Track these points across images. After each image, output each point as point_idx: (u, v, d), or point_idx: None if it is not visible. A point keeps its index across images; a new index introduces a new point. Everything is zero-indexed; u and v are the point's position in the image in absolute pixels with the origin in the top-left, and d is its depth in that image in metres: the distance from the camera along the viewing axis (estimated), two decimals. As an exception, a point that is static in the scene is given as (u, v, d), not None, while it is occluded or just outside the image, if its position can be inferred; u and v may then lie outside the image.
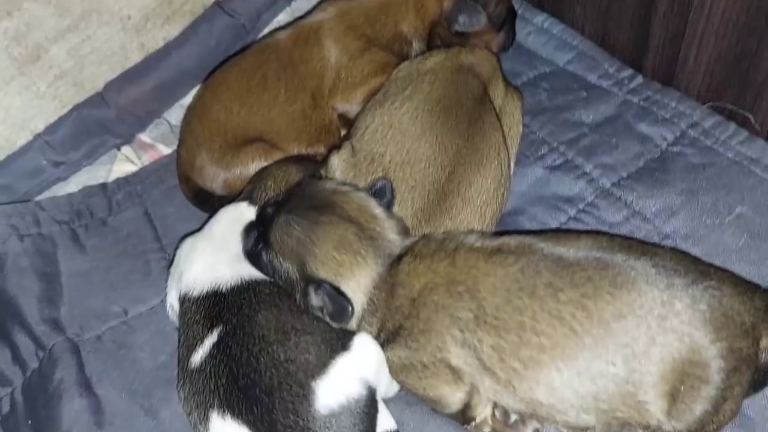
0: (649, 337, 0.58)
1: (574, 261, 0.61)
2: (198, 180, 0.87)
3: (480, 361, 0.61)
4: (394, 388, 0.68)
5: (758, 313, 0.61)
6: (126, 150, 1.00)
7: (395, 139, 0.75)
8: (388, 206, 0.70)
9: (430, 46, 0.93)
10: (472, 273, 0.63)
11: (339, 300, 0.64)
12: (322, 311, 0.66)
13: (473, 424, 0.66)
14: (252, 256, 0.70)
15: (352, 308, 0.65)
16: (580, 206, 0.82)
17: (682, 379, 0.58)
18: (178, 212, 0.90)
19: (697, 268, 0.61)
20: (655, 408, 0.59)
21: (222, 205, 0.81)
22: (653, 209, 0.80)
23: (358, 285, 0.66)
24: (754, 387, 0.64)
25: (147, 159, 1.00)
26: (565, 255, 0.62)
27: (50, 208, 0.90)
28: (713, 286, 0.60)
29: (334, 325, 0.66)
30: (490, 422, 0.66)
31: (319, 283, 0.65)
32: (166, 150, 1.00)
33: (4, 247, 0.85)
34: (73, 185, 0.96)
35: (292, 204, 0.69)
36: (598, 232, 0.68)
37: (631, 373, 0.58)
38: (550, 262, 0.61)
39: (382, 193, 0.70)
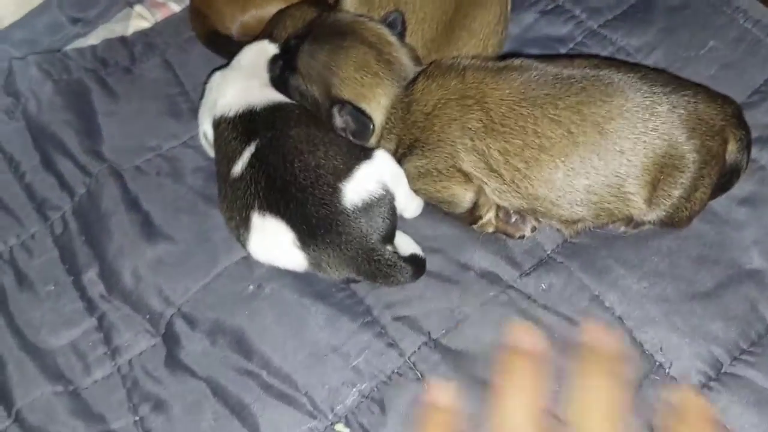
0: (634, 135, 0.67)
1: (571, 75, 0.69)
2: (215, 21, 0.92)
3: (487, 165, 0.70)
4: (413, 205, 0.77)
5: (727, 118, 0.70)
6: (139, 8, 1.05)
7: (406, -26, 0.81)
8: (401, 37, 0.77)
9: None
10: (481, 88, 0.71)
11: (361, 118, 0.72)
12: (345, 130, 0.74)
13: (480, 222, 0.75)
14: (279, 81, 0.77)
15: (373, 126, 0.73)
16: (570, 45, 0.90)
17: (661, 170, 0.68)
18: (197, 61, 0.95)
19: (677, 81, 0.71)
20: (638, 197, 0.69)
21: (233, 48, 0.87)
22: (636, 45, 0.88)
23: (378, 104, 0.74)
24: (722, 187, 0.74)
25: (160, 16, 1.04)
26: (563, 71, 0.70)
27: (76, 58, 0.95)
28: (689, 94, 0.69)
29: (356, 142, 0.74)
30: (494, 222, 0.75)
31: (342, 104, 0.73)
32: (176, 7, 1.05)
33: (40, 89, 0.90)
34: (92, 40, 1.00)
35: (315, 33, 0.76)
36: (591, 55, 0.76)
37: (618, 167, 0.68)
38: (550, 77, 0.70)
39: (395, 25, 0.77)
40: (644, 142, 0.67)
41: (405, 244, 0.75)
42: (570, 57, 0.74)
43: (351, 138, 0.74)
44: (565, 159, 0.68)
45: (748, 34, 0.87)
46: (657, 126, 0.67)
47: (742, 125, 0.72)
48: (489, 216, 0.75)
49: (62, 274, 0.80)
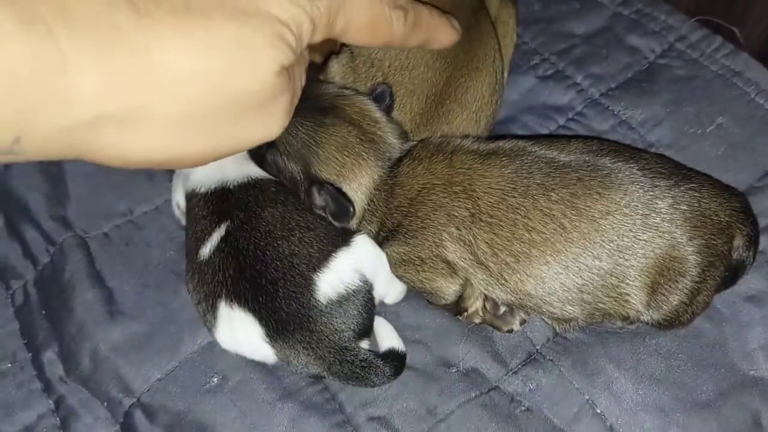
0: (633, 233, 0.62)
1: (566, 163, 0.64)
2: None
3: (474, 256, 0.65)
4: (394, 291, 0.72)
5: (733, 213, 0.65)
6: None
7: (394, 45, 0.76)
8: (388, 111, 0.72)
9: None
10: (469, 174, 0.66)
11: (341, 200, 0.67)
12: (324, 211, 0.69)
13: (465, 314, 0.70)
14: (257, 157, 0.72)
15: (354, 208, 0.68)
16: (570, 115, 0.85)
17: (661, 272, 0.62)
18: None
19: (680, 172, 0.65)
20: (636, 299, 0.64)
21: None
22: (639, 119, 0.83)
23: (359, 186, 0.69)
24: (725, 283, 0.69)
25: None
26: (557, 157, 0.65)
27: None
28: (694, 188, 0.64)
29: (336, 224, 0.69)
30: (481, 313, 0.70)
31: (322, 184, 0.68)
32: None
33: (9, 146, 0.86)
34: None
35: (296, 106, 0.71)
36: (588, 137, 0.71)
37: (615, 267, 0.62)
38: (542, 163, 0.65)
39: (382, 98, 0.72)
40: (643, 240, 0.62)
41: (384, 335, 0.70)
42: (567, 138, 0.69)
43: (331, 219, 0.69)
44: (557, 256, 0.63)
45: (759, 109, 0.82)
46: (657, 223, 0.62)
47: (749, 220, 0.67)
48: (476, 306, 0.70)
49: (21, 351, 0.75)
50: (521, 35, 0.92)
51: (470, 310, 0.70)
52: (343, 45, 0.83)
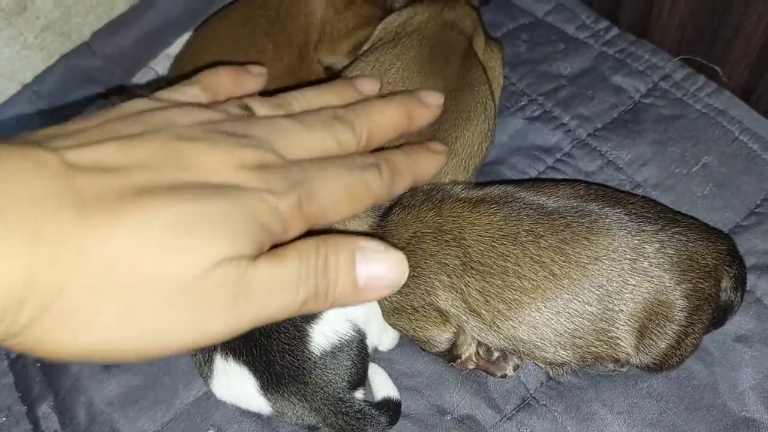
0: (622, 278, 0.63)
1: (554, 209, 0.65)
2: None
3: (466, 304, 0.66)
4: (387, 338, 0.72)
5: (720, 256, 0.66)
6: (114, 100, 1.01)
7: (384, 95, 0.77)
8: None
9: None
10: (458, 222, 0.67)
11: None
12: None
13: (459, 361, 0.71)
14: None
15: None
16: (558, 156, 0.86)
17: (650, 317, 0.63)
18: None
19: (666, 216, 0.66)
20: (626, 343, 0.64)
21: None
22: (626, 159, 0.84)
23: None
24: (714, 324, 0.70)
25: (135, 110, 1.01)
26: (545, 204, 0.66)
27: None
28: (680, 232, 0.65)
29: None
30: (474, 359, 0.71)
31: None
32: (154, 101, 1.01)
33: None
34: (63, 136, 0.98)
35: None
36: (575, 181, 0.72)
37: (604, 311, 0.63)
38: (531, 210, 0.66)
39: None
40: (632, 285, 0.63)
41: (379, 383, 0.70)
42: (554, 182, 0.70)
43: None
44: (548, 302, 0.64)
45: (743, 148, 0.83)
46: (645, 268, 0.63)
47: (736, 262, 0.68)
48: (469, 353, 0.71)
49: (16, 404, 0.75)
50: (508, 77, 0.93)
51: (463, 357, 0.71)
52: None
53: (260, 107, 0.56)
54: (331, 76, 0.92)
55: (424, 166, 0.63)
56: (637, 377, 0.70)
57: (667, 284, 0.63)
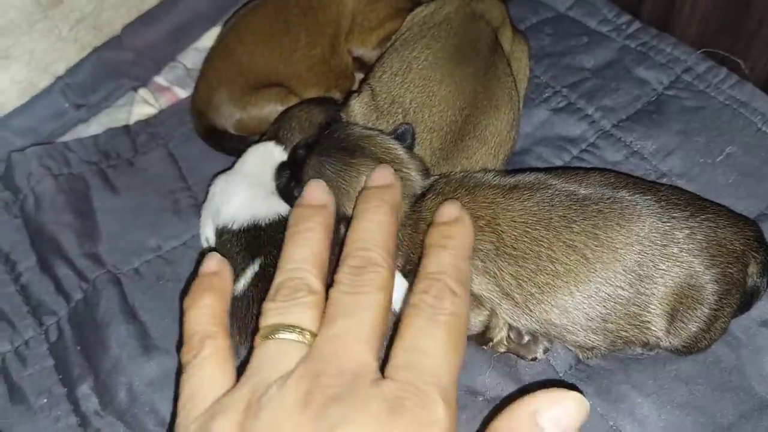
0: (653, 262, 0.64)
1: (586, 196, 0.67)
2: (213, 117, 0.91)
3: (500, 288, 0.67)
4: None
5: (747, 242, 0.67)
6: (143, 92, 1.03)
7: (415, 83, 0.79)
8: (410, 148, 0.75)
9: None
10: (492, 208, 0.68)
11: None
12: None
13: (491, 344, 0.72)
14: (285, 193, 0.75)
15: None
16: (583, 146, 0.88)
17: (680, 300, 0.65)
18: (202, 153, 0.93)
19: (695, 203, 0.68)
20: (656, 327, 0.66)
21: (233, 143, 0.86)
22: (651, 149, 0.86)
23: None
24: (741, 308, 0.71)
25: (164, 101, 1.02)
26: (577, 190, 0.68)
27: (78, 149, 0.93)
28: (709, 218, 0.66)
29: None
30: (505, 343, 0.73)
31: (349, 220, 0.70)
32: (182, 93, 1.03)
33: (40, 186, 0.88)
34: (94, 127, 0.99)
35: (322, 146, 0.74)
36: (605, 170, 0.73)
37: (636, 296, 0.65)
38: (563, 196, 0.67)
39: (405, 137, 0.75)
40: (662, 270, 0.64)
41: None
42: (584, 170, 0.72)
43: None
44: (581, 286, 0.65)
45: (766, 139, 0.85)
46: (675, 253, 0.64)
47: (763, 248, 0.69)
48: (501, 335, 0.72)
49: (56, 386, 0.77)
50: (533, 69, 0.95)
51: (495, 340, 0.72)
52: (363, 82, 0.86)
53: None
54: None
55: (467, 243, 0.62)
56: (665, 360, 0.71)
57: (697, 269, 0.64)
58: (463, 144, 0.78)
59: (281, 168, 0.76)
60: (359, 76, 0.95)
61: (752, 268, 0.69)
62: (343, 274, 0.56)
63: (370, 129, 0.75)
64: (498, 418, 0.48)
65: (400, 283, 0.71)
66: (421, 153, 0.77)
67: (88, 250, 0.84)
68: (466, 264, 0.59)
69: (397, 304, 0.69)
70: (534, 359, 0.72)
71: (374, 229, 0.60)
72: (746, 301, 0.71)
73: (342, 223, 0.70)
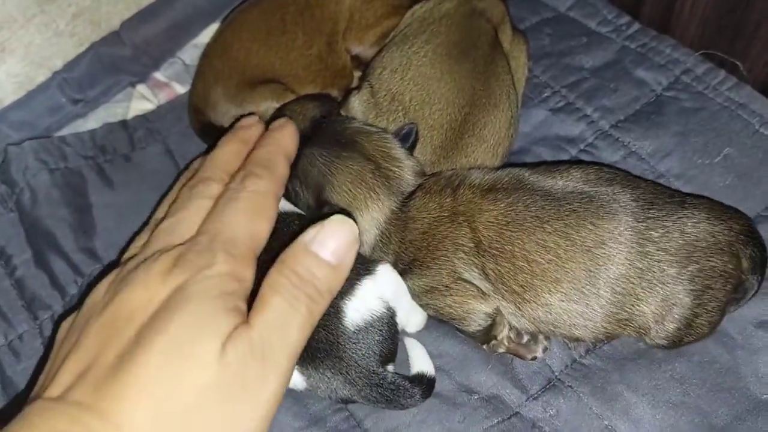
0: (629, 261, 0.64)
1: (561, 195, 0.67)
2: (209, 114, 0.90)
3: (490, 283, 0.68)
4: (416, 319, 0.74)
5: (732, 233, 0.67)
6: (141, 88, 1.03)
7: (414, 80, 0.79)
8: (411, 148, 0.75)
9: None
10: (470, 207, 0.69)
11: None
12: None
13: (493, 342, 0.72)
14: (282, 188, 0.75)
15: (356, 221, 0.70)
16: (581, 146, 0.88)
17: (658, 299, 0.65)
18: (199, 150, 0.92)
19: (673, 200, 0.68)
20: (637, 325, 0.66)
21: None
22: (649, 150, 0.86)
23: (371, 218, 0.72)
24: (735, 301, 0.71)
25: (163, 97, 1.02)
26: (553, 188, 0.68)
27: (75, 144, 0.92)
28: (687, 215, 0.66)
29: None
30: (506, 342, 0.72)
31: (331, 206, 0.70)
32: (180, 89, 1.03)
33: (36, 180, 0.88)
34: (92, 122, 0.99)
35: (317, 138, 0.74)
36: (589, 164, 0.72)
37: (613, 295, 0.65)
38: (538, 196, 0.67)
39: (408, 137, 0.75)
40: (638, 269, 0.65)
41: (417, 357, 0.72)
42: (567, 166, 0.71)
43: None
44: (557, 285, 0.66)
45: (764, 140, 0.84)
46: (651, 252, 0.65)
47: (753, 242, 0.69)
48: (503, 335, 0.72)
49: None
50: (532, 69, 0.95)
51: (499, 337, 0.71)
52: (362, 79, 0.86)
53: None
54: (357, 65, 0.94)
55: (282, 143, 0.67)
56: (661, 360, 0.71)
57: (672, 267, 0.64)
58: (463, 142, 0.78)
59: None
60: (357, 74, 0.95)
61: (744, 263, 0.68)
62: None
63: (369, 125, 0.75)
64: (279, 258, 0.55)
65: (397, 281, 0.71)
66: (422, 150, 0.77)
67: (84, 244, 0.84)
68: (277, 156, 0.65)
69: (391, 301, 0.69)
70: (534, 359, 0.72)
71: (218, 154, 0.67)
72: (741, 295, 0.70)
73: (323, 207, 0.71)
